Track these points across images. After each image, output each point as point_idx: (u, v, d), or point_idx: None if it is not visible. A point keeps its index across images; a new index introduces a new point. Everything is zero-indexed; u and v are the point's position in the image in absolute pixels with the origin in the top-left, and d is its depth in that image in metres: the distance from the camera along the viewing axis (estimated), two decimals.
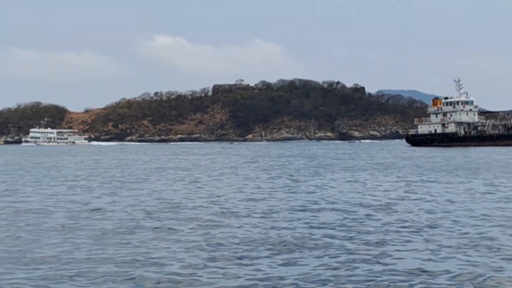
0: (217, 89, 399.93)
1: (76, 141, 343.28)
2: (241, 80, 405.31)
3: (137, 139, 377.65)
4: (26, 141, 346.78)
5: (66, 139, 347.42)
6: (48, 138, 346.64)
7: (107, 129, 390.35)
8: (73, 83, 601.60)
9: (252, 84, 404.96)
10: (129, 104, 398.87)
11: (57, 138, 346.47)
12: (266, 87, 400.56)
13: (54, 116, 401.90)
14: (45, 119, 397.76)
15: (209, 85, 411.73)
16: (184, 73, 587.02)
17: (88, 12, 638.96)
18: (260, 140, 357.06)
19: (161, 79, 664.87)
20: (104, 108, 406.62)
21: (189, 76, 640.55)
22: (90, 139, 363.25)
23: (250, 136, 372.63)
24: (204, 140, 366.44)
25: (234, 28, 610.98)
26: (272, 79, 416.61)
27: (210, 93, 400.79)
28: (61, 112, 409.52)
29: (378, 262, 20.12)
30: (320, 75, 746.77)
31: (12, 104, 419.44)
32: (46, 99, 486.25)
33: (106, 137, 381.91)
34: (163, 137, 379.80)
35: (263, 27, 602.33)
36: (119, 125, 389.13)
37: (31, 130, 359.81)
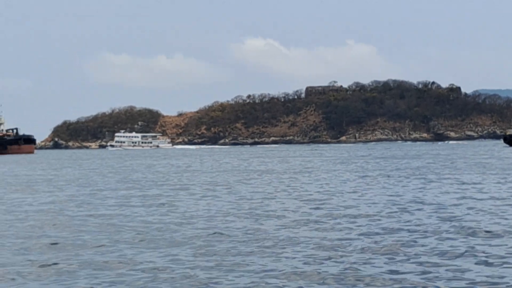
0: (310, 91, 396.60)
1: (160, 145, 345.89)
2: (334, 82, 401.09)
3: (230, 142, 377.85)
4: (112, 146, 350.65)
5: (151, 142, 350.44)
6: (132, 142, 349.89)
7: (200, 132, 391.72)
8: (166, 87, 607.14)
9: (345, 86, 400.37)
10: (222, 107, 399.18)
11: (142, 142, 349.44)
12: (359, 88, 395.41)
13: (148, 120, 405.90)
14: (139, 123, 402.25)
15: (302, 87, 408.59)
16: (277, 76, 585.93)
17: (179, 16, 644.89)
18: (354, 142, 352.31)
19: (253, 82, 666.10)
20: (197, 112, 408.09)
21: (281, 79, 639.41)
22: (173, 143, 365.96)
23: (343, 138, 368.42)
24: (297, 143, 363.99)
25: (326, 30, 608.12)
26: (366, 80, 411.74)
27: (303, 95, 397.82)
28: (155, 116, 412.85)
29: None
30: (414, 76, 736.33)
31: (106, 109, 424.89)
32: (140, 103, 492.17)
33: (199, 140, 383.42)
34: (256, 139, 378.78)
35: (356, 28, 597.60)
36: (212, 128, 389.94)
37: (116, 134, 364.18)
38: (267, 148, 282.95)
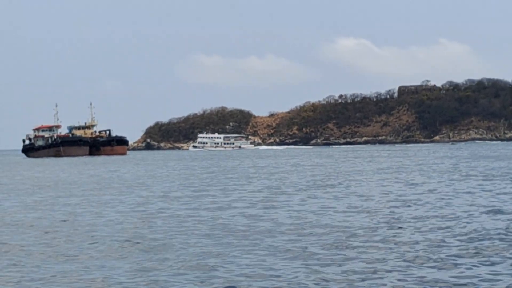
0: (402, 90, 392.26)
1: (242, 146, 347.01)
2: (427, 81, 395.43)
3: (322, 142, 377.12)
4: (195, 146, 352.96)
5: (233, 143, 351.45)
6: (215, 143, 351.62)
7: (292, 132, 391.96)
8: (257, 87, 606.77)
9: (438, 85, 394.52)
10: (313, 107, 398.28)
11: (224, 143, 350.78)
12: (453, 87, 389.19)
13: (240, 121, 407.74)
14: (231, 123, 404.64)
15: (394, 86, 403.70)
16: (369, 75, 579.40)
17: (269, 16, 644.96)
18: (448, 142, 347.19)
19: (345, 82, 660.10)
20: (288, 112, 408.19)
21: (373, 78, 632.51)
22: (256, 143, 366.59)
23: (437, 137, 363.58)
24: (390, 142, 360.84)
25: (418, 29, 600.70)
26: (459, 79, 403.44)
27: (395, 95, 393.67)
28: (246, 116, 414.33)
29: None
30: (509, 74, 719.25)
31: (198, 110, 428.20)
32: (231, 104, 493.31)
33: (291, 140, 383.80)
34: (348, 139, 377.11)
35: (449, 27, 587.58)
36: (304, 129, 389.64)
37: (199, 135, 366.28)
38: (357, 148, 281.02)
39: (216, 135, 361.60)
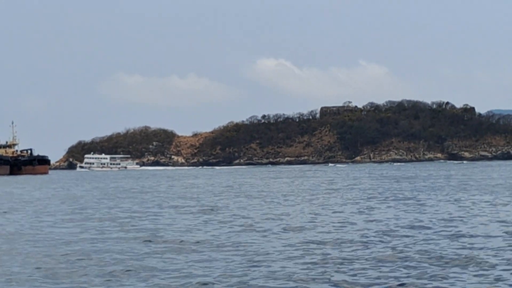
0: (325, 111, 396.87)
1: (128, 166, 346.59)
2: (349, 102, 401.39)
3: (245, 162, 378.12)
4: (81, 167, 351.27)
5: (119, 164, 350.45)
6: (101, 164, 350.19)
7: (215, 152, 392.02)
8: (180, 107, 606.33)
9: (360, 106, 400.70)
10: (237, 127, 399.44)
11: (110, 164, 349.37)
12: (374, 108, 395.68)
13: (163, 140, 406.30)
14: (154, 143, 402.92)
15: (316, 107, 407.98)
16: (291, 96, 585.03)
17: (190, 36, 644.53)
18: (368, 162, 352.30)
19: (268, 102, 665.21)
20: (212, 132, 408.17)
21: (296, 99, 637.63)
22: (141, 164, 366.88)
23: (358, 158, 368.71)
24: (312, 163, 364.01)
25: (338, 50, 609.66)
26: (380, 100, 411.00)
27: (317, 116, 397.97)
28: (170, 136, 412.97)
29: None
30: (428, 96, 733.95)
31: (121, 129, 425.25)
32: (154, 123, 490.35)
33: (214, 160, 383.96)
34: (271, 160, 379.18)
35: (368, 49, 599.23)
36: (227, 149, 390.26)
37: (86, 156, 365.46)
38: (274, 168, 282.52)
39: (103, 155, 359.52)
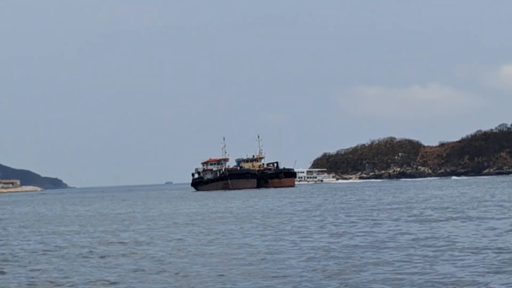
0: None
1: (324, 179, 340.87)
2: None
3: (494, 171, 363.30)
4: None
5: (315, 177, 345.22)
6: (298, 178, 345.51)
7: (463, 162, 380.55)
8: (424, 117, 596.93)
9: None
10: (485, 136, 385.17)
11: (307, 177, 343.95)
12: None
13: (409, 151, 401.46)
14: (400, 154, 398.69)
15: None
16: None
17: (429, 46, 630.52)
18: None
19: None
20: (459, 141, 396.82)
21: None
22: (338, 177, 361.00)
23: None
24: None
25: None
26: None
27: None
28: (415, 146, 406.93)
29: None
30: None
31: (366, 140, 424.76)
32: (399, 134, 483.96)
33: (462, 170, 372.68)
34: None
35: None
36: (476, 158, 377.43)
37: None
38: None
39: (300, 169, 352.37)
